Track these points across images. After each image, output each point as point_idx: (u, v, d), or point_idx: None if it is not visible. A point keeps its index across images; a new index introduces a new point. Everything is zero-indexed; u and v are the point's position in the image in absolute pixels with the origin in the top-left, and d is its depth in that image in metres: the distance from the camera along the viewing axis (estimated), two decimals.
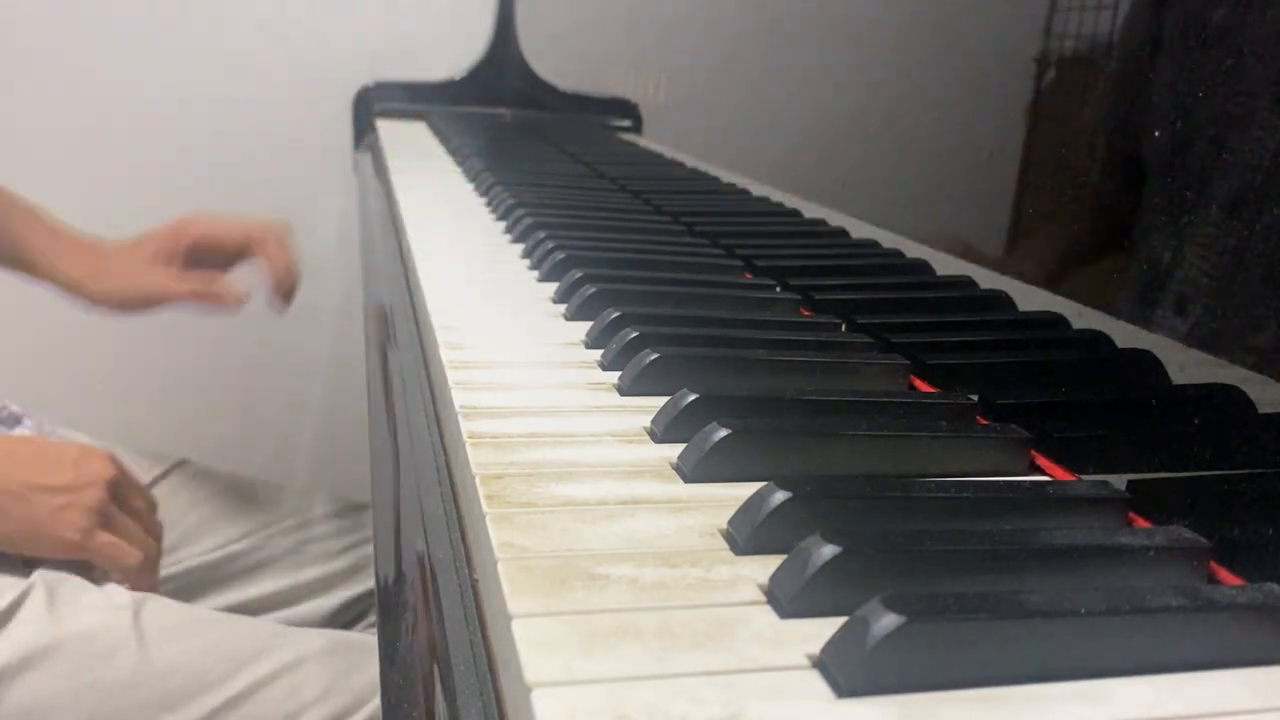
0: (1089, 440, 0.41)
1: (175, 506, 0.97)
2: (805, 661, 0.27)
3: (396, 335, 0.60)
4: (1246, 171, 0.39)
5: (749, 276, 0.67)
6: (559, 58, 1.42)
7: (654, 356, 0.46)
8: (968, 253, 0.56)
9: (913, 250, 0.63)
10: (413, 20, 1.52)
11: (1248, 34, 0.39)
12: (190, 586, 0.93)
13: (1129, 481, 0.38)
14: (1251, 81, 0.38)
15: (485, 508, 0.34)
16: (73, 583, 0.77)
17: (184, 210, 1.49)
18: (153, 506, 0.88)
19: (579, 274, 0.60)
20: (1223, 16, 0.40)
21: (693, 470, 0.38)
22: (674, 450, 0.39)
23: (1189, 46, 0.42)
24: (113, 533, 0.80)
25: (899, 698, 0.26)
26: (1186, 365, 0.40)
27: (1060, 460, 0.41)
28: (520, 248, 0.73)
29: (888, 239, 0.66)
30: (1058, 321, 0.48)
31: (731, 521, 0.34)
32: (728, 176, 0.93)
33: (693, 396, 0.41)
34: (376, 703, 0.75)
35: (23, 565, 0.79)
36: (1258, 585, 0.30)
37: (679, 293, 0.60)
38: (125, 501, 0.82)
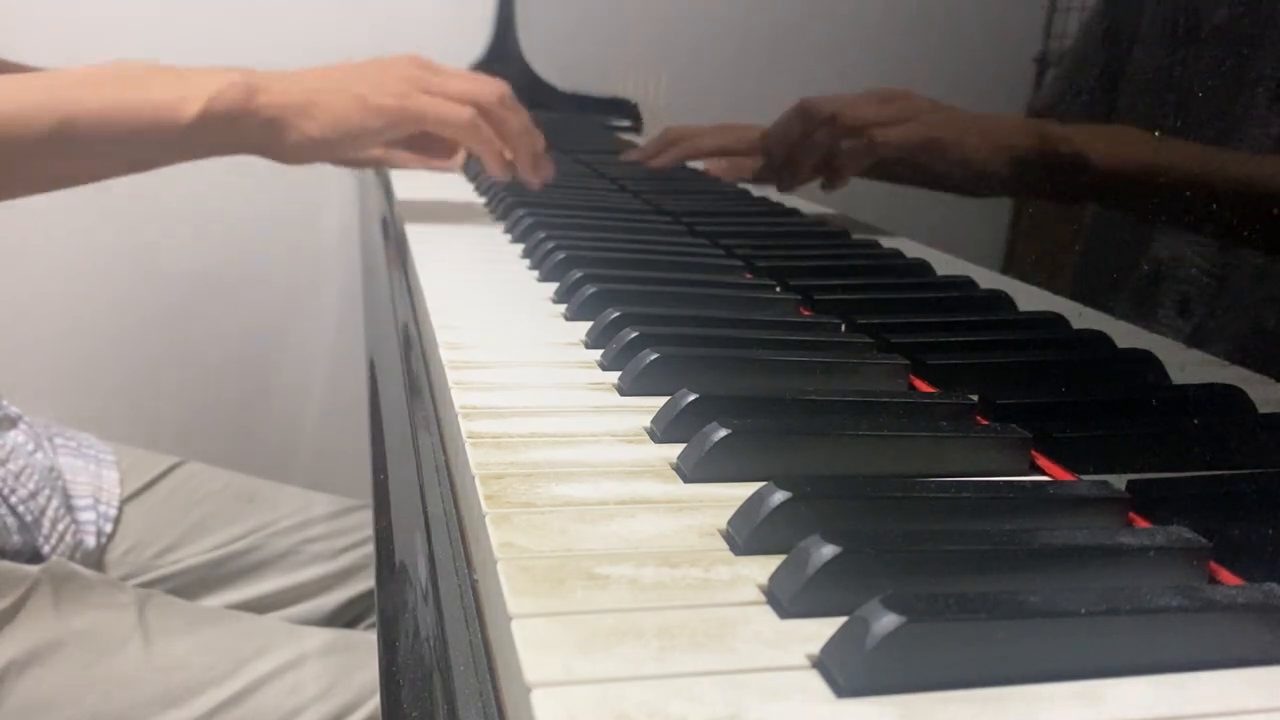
0: (1089, 440, 0.41)
1: (175, 506, 0.97)
2: (805, 661, 0.27)
3: (396, 336, 0.60)
4: (1246, 167, 0.39)
5: (749, 276, 0.67)
6: (559, 58, 1.42)
7: (654, 356, 0.46)
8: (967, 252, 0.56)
9: (913, 250, 0.63)
10: (413, 20, 1.52)
11: (1247, 31, 0.39)
12: (190, 586, 0.93)
13: (1129, 481, 0.38)
14: (1250, 76, 0.38)
15: (485, 508, 0.34)
16: (77, 579, 0.77)
17: (184, 209, 1.49)
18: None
19: (579, 274, 0.60)
20: (1222, 15, 0.40)
21: (693, 470, 0.38)
22: (674, 450, 0.39)
23: (1187, 41, 0.42)
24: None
25: (899, 698, 0.26)
26: (1186, 365, 0.40)
27: (1060, 460, 0.41)
28: (520, 248, 0.73)
29: (888, 239, 0.66)
30: (1058, 321, 0.48)
31: (731, 521, 0.34)
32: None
33: (693, 396, 0.41)
34: (377, 701, 0.75)
35: (28, 560, 0.79)
36: (1258, 585, 0.30)
37: (679, 293, 0.60)
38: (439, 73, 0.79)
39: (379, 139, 0.77)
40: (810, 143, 0.69)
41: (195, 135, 0.71)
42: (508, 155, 0.81)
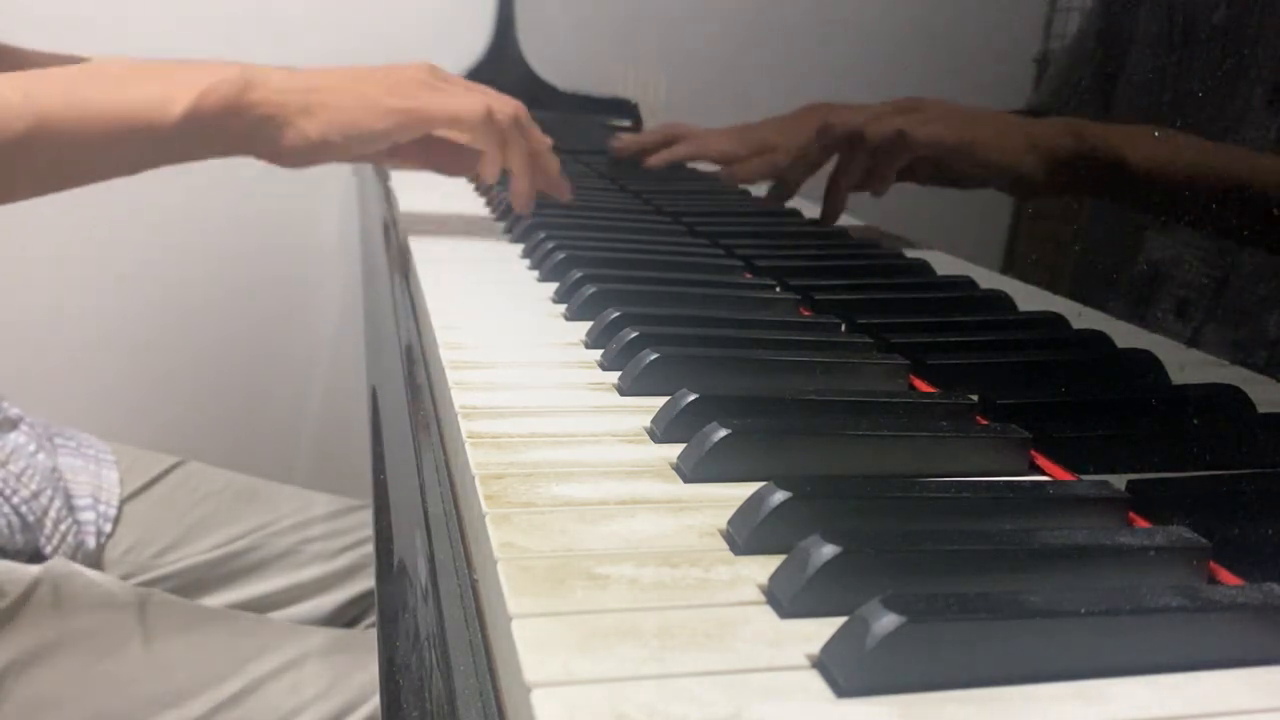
0: (1089, 440, 0.41)
1: (175, 506, 0.97)
2: (805, 661, 0.27)
3: (397, 336, 0.60)
4: (1245, 168, 0.39)
5: (749, 276, 0.67)
6: (559, 58, 1.42)
7: (654, 356, 0.46)
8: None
9: (913, 250, 0.63)
10: (413, 20, 1.52)
11: (1244, 33, 0.39)
12: (190, 586, 0.93)
13: (1129, 481, 0.38)
14: (1247, 76, 0.38)
15: (485, 508, 0.34)
16: (78, 579, 0.77)
17: (184, 209, 1.49)
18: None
19: (579, 274, 0.60)
20: (1221, 16, 0.40)
21: (693, 470, 0.38)
22: (674, 450, 0.39)
23: (1184, 41, 0.42)
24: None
25: (899, 698, 0.26)
26: (1186, 365, 0.40)
27: (1060, 460, 0.41)
28: (520, 248, 0.73)
29: (887, 239, 0.66)
30: (1058, 321, 0.48)
31: (731, 521, 0.34)
32: None
33: (692, 396, 0.41)
34: (376, 701, 0.75)
35: (28, 560, 0.79)
36: (1258, 585, 0.30)
37: (679, 293, 0.60)
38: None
39: (385, 142, 0.72)
40: (845, 160, 0.67)
41: (184, 135, 0.66)
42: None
